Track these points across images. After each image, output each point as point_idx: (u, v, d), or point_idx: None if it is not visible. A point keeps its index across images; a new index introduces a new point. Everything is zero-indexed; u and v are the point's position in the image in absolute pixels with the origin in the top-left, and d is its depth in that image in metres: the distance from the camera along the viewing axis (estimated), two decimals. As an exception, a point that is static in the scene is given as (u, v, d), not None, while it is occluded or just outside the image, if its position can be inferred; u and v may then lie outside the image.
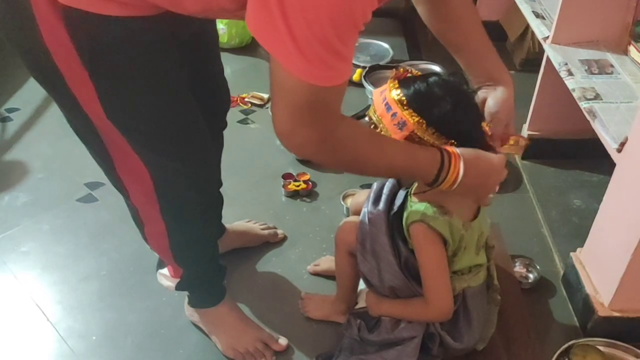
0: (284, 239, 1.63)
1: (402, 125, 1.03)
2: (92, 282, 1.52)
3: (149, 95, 0.96)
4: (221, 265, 1.35)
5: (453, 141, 1.05)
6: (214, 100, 1.23)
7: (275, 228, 1.64)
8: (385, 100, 1.05)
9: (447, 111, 1.03)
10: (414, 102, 1.03)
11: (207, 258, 1.30)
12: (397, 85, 1.05)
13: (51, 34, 0.87)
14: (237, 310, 1.39)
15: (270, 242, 1.61)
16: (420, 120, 1.02)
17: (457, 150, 1.02)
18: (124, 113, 0.98)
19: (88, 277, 1.53)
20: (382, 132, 1.05)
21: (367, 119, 1.10)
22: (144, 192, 1.10)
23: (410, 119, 1.02)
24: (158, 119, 1.00)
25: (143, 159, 1.04)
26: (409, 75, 1.08)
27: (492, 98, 1.12)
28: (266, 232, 1.61)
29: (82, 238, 1.64)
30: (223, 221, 1.50)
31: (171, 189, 1.10)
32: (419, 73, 1.09)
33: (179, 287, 1.32)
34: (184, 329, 1.40)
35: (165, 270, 1.36)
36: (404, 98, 1.03)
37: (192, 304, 1.37)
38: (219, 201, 1.40)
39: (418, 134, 1.03)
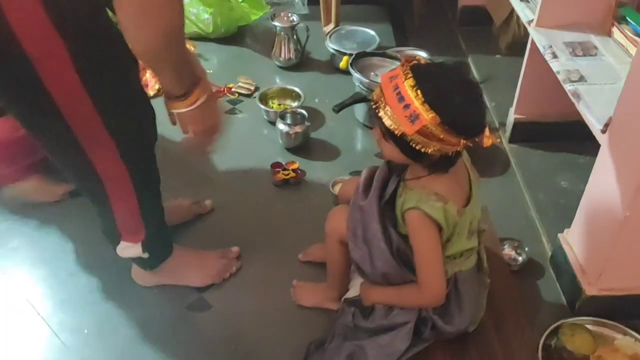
0: (213, 210, 1.67)
1: (414, 118, 1.00)
2: (82, 276, 1.52)
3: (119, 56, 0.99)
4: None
5: (463, 136, 1.03)
6: None
7: (199, 201, 1.67)
8: (397, 88, 1.01)
9: (464, 109, 1.02)
10: (431, 97, 1.00)
11: (162, 207, 1.35)
12: (411, 75, 1.01)
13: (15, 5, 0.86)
14: (188, 249, 1.48)
15: (201, 214, 1.65)
16: (435, 116, 0.99)
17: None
18: (101, 70, 1.00)
19: (78, 271, 1.53)
20: (384, 117, 1.03)
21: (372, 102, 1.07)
22: (111, 157, 1.12)
23: (426, 114, 0.99)
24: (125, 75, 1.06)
25: (108, 128, 1.07)
26: (416, 62, 1.04)
27: None
28: (194, 205, 1.66)
29: (70, 232, 1.63)
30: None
31: (129, 134, 1.13)
32: (427, 61, 1.07)
33: (144, 247, 1.34)
34: (176, 321, 1.41)
35: (123, 244, 1.35)
36: (419, 91, 1.00)
37: (152, 265, 1.41)
38: None
39: (430, 128, 1.00)
